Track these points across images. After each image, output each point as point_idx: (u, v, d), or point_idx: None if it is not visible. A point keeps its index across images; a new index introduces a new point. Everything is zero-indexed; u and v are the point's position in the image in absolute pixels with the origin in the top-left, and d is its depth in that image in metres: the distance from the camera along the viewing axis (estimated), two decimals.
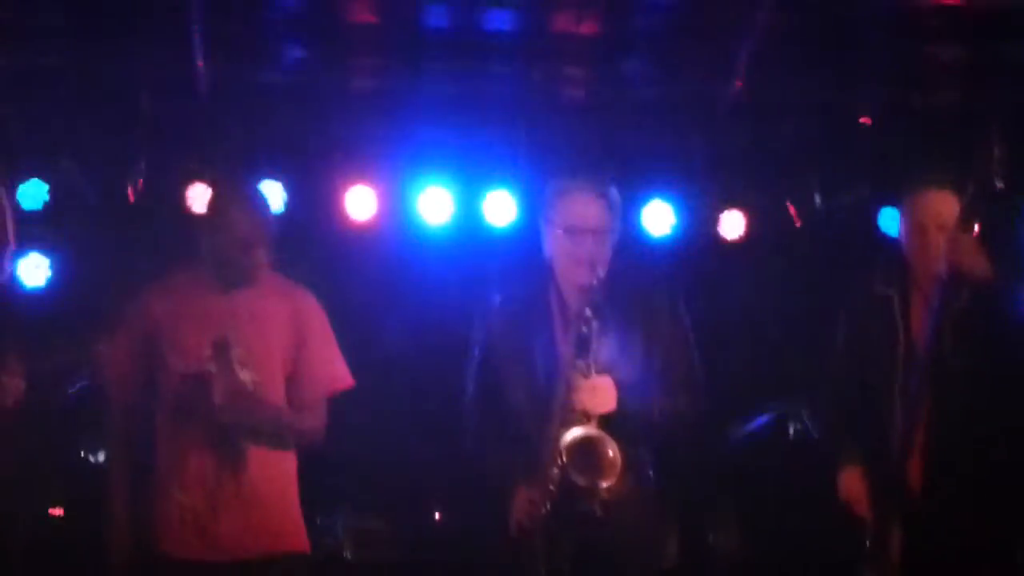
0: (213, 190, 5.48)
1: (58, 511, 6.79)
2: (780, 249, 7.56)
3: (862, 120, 7.30)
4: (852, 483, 5.23)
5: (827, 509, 5.38)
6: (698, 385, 5.15)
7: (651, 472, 5.18)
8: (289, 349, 5.26)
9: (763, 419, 7.12)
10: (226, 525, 5.11)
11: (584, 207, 5.12)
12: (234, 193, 5.39)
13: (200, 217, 5.44)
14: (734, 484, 7.05)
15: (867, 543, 5.14)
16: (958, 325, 5.08)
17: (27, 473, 6.39)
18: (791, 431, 7.02)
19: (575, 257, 5.09)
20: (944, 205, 5.21)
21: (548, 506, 4.96)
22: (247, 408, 5.11)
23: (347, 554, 6.52)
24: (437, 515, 6.96)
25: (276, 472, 5.22)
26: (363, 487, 6.63)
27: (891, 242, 5.58)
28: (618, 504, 4.98)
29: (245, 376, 5.11)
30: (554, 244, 5.17)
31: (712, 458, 6.94)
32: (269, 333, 5.23)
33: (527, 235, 7.00)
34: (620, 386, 4.98)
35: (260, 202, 5.34)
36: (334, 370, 5.36)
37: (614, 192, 5.18)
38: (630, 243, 5.58)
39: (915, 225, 5.27)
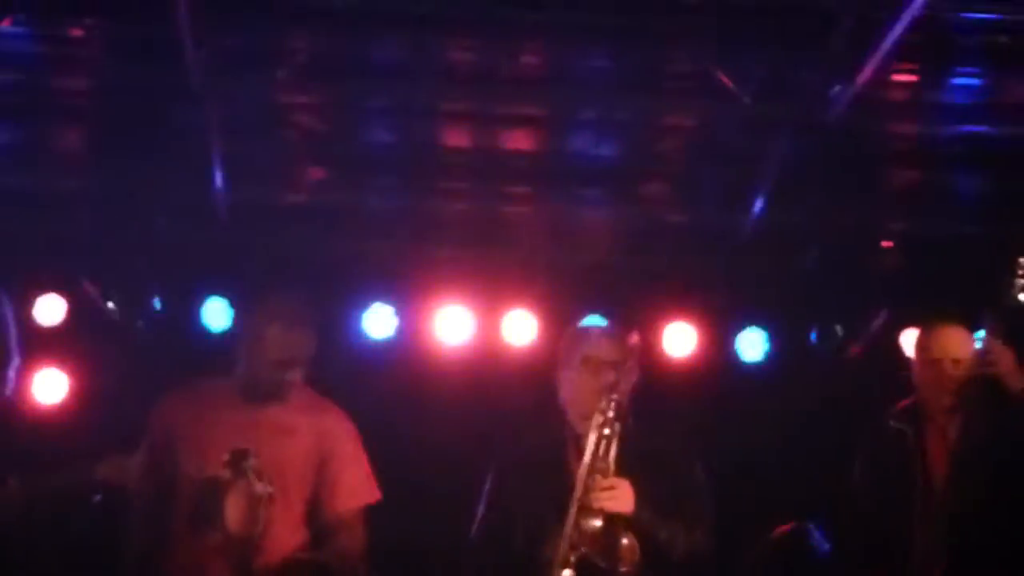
0: (248, 307, 5.44)
1: None
2: (800, 372, 7.52)
3: (884, 244, 7.29)
4: None
5: None
6: (709, 527, 5.18)
7: None
8: (313, 466, 5.25)
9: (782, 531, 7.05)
10: None
11: (606, 342, 5.24)
12: (276, 311, 5.31)
13: (238, 333, 5.43)
14: None
15: None
16: (976, 454, 5.07)
17: None
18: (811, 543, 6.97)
19: (593, 387, 5.15)
20: (957, 340, 5.29)
21: None
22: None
23: None
24: None
25: None
26: None
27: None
28: None
29: (260, 488, 5.07)
30: (571, 381, 5.26)
31: None
32: (292, 448, 5.23)
33: (545, 356, 7.10)
34: (636, 495, 5.01)
35: (303, 320, 5.31)
36: (364, 483, 5.35)
37: (633, 334, 5.22)
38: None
39: (928, 360, 5.32)
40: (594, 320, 5.46)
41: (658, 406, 5.43)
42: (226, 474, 5.09)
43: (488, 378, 7.35)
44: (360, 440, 5.38)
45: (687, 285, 7.36)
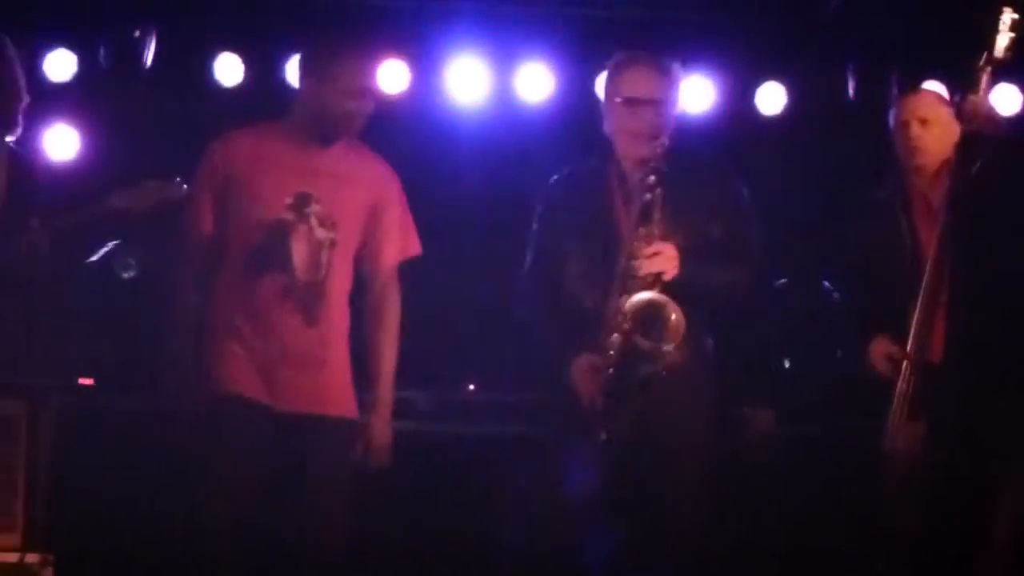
0: (314, 44, 5.36)
1: (88, 381, 6.74)
2: (821, 125, 7.43)
3: None
4: (881, 349, 5.22)
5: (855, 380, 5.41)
6: (754, 258, 5.21)
7: (710, 341, 5.24)
8: (367, 215, 5.22)
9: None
10: (293, 376, 5.09)
11: (645, 78, 5.20)
12: (338, 45, 5.21)
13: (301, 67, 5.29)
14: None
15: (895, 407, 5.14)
16: (972, 196, 5.04)
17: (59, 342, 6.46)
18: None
19: (635, 129, 5.15)
20: (924, 101, 5.32)
21: (611, 371, 5.01)
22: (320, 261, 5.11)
23: None
24: (471, 387, 6.95)
25: (341, 335, 5.21)
26: (401, 359, 6.64)
27: None
28: (678, 372, 5.06)
29: (322, 234, 5.07)
30: (614, 117, 5.23)
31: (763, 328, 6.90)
32: (349, 195, 5.19)
33: (564, 110, 7.04)
34: (682, 253, 5.04)
35: (365, 54, 5.24)
36: (408, 236, 5.34)
37: (674, 64, 5.24)
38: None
39: (897, 123, 5.30)
40: (638, 54, 5.26)
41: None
42: (289, 217, 5.05)
43: (505, 135, 7.26)
44: (404, 193, 5.35)
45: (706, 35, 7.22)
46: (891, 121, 5.36)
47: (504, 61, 7.25)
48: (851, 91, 7.40)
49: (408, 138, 7.09)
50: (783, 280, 7.06)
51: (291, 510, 5.11)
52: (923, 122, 5.22)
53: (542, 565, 5.23)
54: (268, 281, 5.10)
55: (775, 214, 6.99)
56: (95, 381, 6.74)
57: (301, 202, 5.04)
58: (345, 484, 5.17)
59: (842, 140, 7.29)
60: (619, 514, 5.13)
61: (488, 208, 7.11)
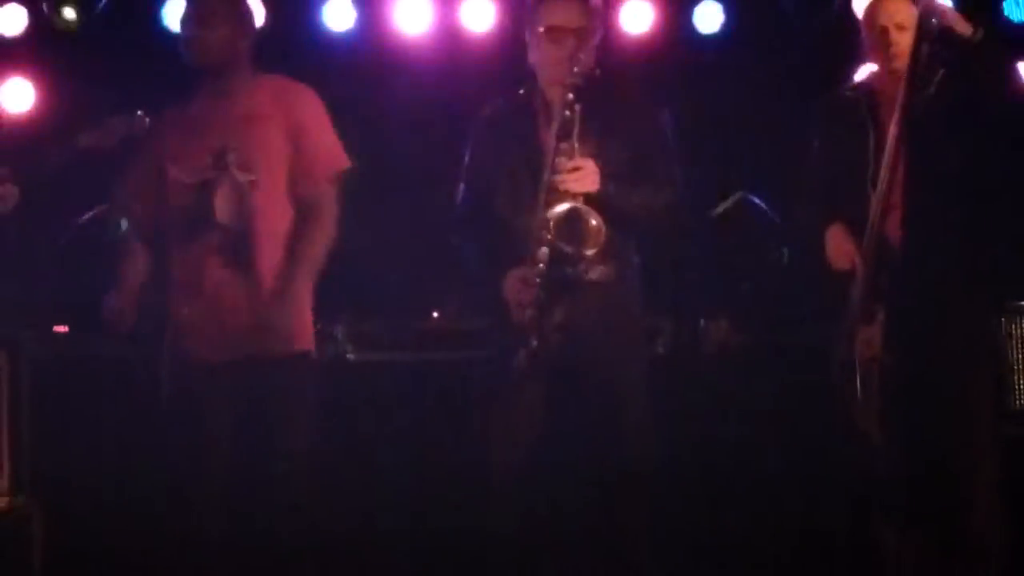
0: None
1: (62, 329, 6.86)
2: (759, 43, 7.54)
3: None
4: (838, 239, 5.25)
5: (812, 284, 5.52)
6: (676, 181, 5.33)
7: (635, 260, 5.38)
8: (287, 143, 5.37)
9: (728, 202, 7.18)
10: (241, 325, 5.28)
11: (566, 8, 5.28)
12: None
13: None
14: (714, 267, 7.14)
15: (856, 298, 5.16)
16: (935, 98, 5.12)
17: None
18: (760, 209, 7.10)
19: (556, 57, 5.24)
20: (901, 6, 5.26)
21: (539, 280, 5.15)
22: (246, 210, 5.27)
23: (350, 356, 6.65)
24: (435, 314, 7.06)
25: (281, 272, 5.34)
26: (362, 293, 6.74)
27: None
28: (604, 285, 5.24)
29: (242, 178, 5.24)
30: (537, 46, 5.33)
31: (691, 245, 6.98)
32: (266, 132, 5.35)
33: (507, 41, 7.11)
34: (602, 174, 5.16)
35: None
36: (334, 152, 5.47)
37: None
38: (611, 46, 5.64)
39: (873, 27, 5.31)
40: None
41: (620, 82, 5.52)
42: (211, 174, 5.24)
43: (450, 67, 7.38)
44: (325, 109, 5.49)
45: None
46: (866, 23, 5.35)
47: None
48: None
49: (355, 72, 7.23)
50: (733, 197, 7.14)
51: (259, 454, 5.30)
52: (900, 27, 5.22)
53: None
54: (200, 239, 5.30)
55: (717, 132, 7.26)
56: (69, 328, 6.85)
57: (218, 156, 5.24)
58: (306, 418, 5.37)
59: (782, 55, 7.44)
60: (555, 424, 5.26)
61: (435, 137, 7.14)
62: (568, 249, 5.12)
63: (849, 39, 5.56)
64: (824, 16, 7.32)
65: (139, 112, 5.42)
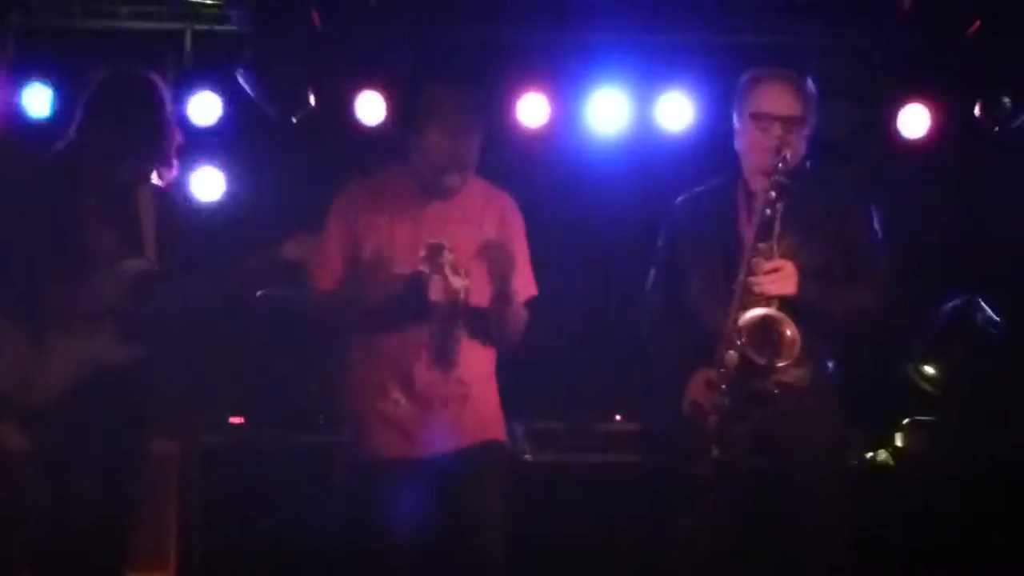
0: (408, 104, 5.42)
1: (238, 419, 6.83)
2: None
3: None
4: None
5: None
6: (882, 284, 5.08)
7: (831, 364, 5.13)
8: (494, 251, 5.19)
9: (950, 306, 6.97)
10: (435, 420, 5.18)
11: (776, 94, 5.11)
12: (438, 115, 5.22)
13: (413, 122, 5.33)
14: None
15: None
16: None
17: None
18: (978, 318, 6.88)
19: (763, 144, 5.06)
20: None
21: (725, 387, 4.94)
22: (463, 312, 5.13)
23: (527, 456, 6.52)
24: (618, 417, 6.89)
25: (483, 368, 5.29)
26: (542, 390, 6.62)
27: None
28: (797, 393, 4.97)
29: (457, 282, 5.06)
30: (743, 132, 5.17)
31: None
32: (479, 238, 5.20)
33: (704, 139, 7.00)
34: (803, 273, 4.94)
35: (466, 125, 5.22)
36: (527, 278, 5.35)
37: (808, 83, 5.15)
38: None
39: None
40: (771, 70, 5.20)
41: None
42: (424, 268, 5.05)
43: (645, 164, 7.23)
44: (524, 228, 5.38)
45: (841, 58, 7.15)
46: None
47: (644, 91, 7.24)
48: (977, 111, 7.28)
49: (550, 170, 7.15)
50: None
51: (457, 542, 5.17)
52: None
53: None
54: (408, 334, 5.17)
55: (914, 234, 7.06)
56: (245, 420, 6.82)
57: (435, 252, 5.02)
58: (499, 505, 5.22)
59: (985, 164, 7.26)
60: (743, 534, 5.08)
61: (633, 236, 7.06)
62: (760, 360, 4.89)
63: None
64: None
65: None
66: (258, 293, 6.76)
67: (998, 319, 6.87)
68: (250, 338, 6.94)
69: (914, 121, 7.29)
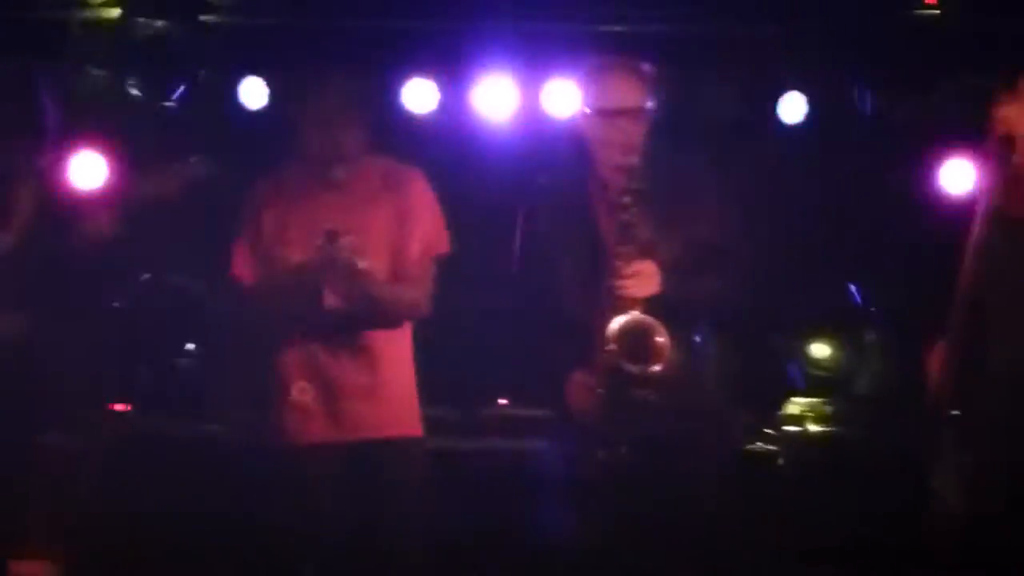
0: (288, 96, 5.46)
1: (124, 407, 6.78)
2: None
3: None
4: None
5: None
6: (743, 265, 5.14)
7: (711, 351, 5.20)
8: (396, 226, 5.32)
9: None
10: (348, 409, 5.24)
11: (620, 86, 5.08)
12: (313, 111, 5.32)
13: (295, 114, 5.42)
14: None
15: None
16: None
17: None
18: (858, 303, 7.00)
19: (611, 139, 5.06)
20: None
21: (603, 392, 4.99)
22: (360, 293, 5.15)
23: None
24: (503, 401, 6.90)
25: (393, 356, 5.33)
26: (430, 377, 6.62)
27: None
28: (678, 390, 5.01)
29: (360, 264, 5.13)
30: (589, 126, 5.14)
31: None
32: (377, 217, 5.29)
33: None
34: (664, 268, 5.00)
35: (343, 119, 5.30)
36: (438, 234, 5.43)
37: (650, 68, 5.12)
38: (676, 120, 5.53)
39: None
40: (609, 59, 5.17)
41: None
42: (322, 255, 5.11)
43: (532, 151, 7.24)
44: (432, 191, 5.46)
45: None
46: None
47: (531, 78, 7.27)
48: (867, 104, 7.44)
49: (439, 156, 7.13)
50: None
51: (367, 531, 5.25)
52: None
53: None
54: (315, 324, 5.23)
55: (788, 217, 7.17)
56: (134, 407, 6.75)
57: (331, 238, 5.10)
58: (415, 497, 5.32)
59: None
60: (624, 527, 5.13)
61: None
62: (632, 369, 4.95)
63: None
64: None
65: (193, 159, 5.45)
66: (143, 276, 6.74)
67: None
68: (138, 323, 6.88)
69: (792, 109, 7.37)
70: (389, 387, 5.31)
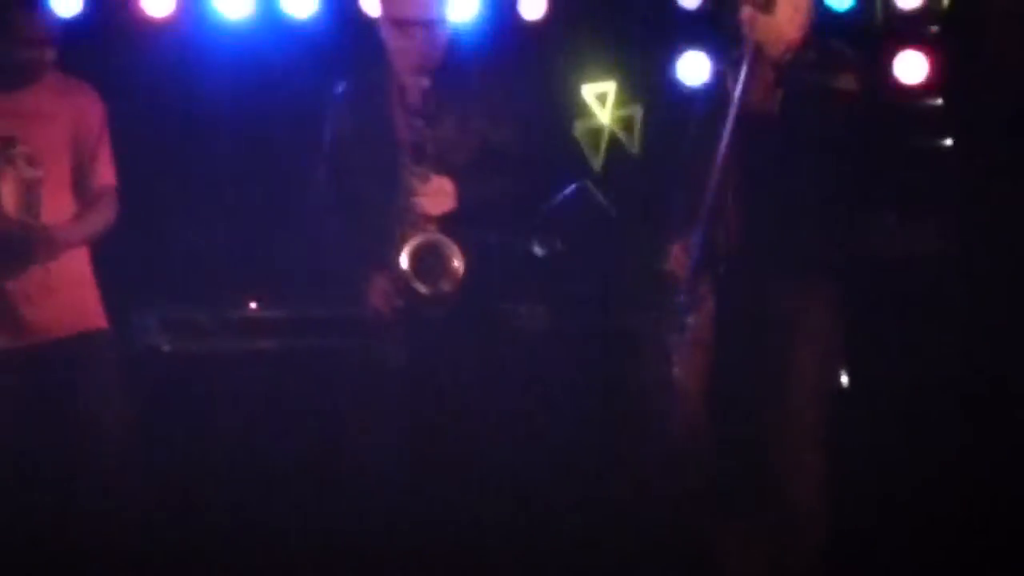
0: None
1: None
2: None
3: None
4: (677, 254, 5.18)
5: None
6: (532, 168, 5.38)
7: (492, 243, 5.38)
8: (73, 143, 5.41)
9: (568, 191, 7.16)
10: (31, 311, 5.31)
11: None
12: None
13: None
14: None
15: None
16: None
17: None
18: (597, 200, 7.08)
19: (406, 51, 5.19)
20: None
21: (400, 300, 5.17)
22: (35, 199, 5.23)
23: (165, 347, 6.52)
24: (253, 304, 6.93)
25: (69, 263, 5.39)
26: (180, 279, 6.59)
27: None
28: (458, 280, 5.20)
29: (30, 173, 5.27)
30: (387, 36, 5.27)
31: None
32: (54, 132, 5.38)
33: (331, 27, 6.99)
34: (458, 178, 5.15)
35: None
36: (108, 167, 5.54)
37: None
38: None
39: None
40: None
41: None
42: None
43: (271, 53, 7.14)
44: (104, 116, 5.55)
45: None
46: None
47: None
48: None
49: (178, 59, 7.06)
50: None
51: (64, 432, 5.33)
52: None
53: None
54: None
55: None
56: None
57: (5, 145, 5.25)
58: (115, 394, 5.41)
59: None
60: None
61: (258, 122, 7.02)
62: (424, 290, 5.10)
63: None
64: None
65: None
66: None
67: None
68: None
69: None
70: (62, 286, 5.39)
